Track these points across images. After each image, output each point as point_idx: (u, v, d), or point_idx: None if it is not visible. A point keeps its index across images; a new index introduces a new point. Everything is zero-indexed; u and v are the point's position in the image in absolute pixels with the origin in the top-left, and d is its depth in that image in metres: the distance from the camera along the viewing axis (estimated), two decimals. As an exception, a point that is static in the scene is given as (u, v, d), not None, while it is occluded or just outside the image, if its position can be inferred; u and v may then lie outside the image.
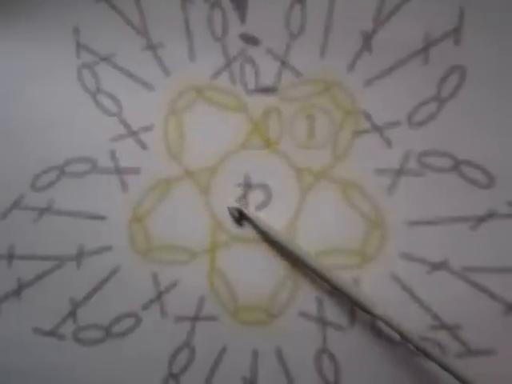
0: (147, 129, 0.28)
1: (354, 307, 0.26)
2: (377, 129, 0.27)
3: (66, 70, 0.29)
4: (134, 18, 0.29)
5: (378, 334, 0.26)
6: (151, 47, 0.29)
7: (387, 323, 0.24)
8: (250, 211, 0.27)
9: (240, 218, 0.27)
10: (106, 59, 0.29)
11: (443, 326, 0.26)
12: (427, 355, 0.24)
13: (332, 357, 0.26)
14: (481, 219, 0.26)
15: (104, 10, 0.29)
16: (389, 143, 0.27)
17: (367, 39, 0.27)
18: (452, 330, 0.26)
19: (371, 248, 0.27)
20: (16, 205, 0.28)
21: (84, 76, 0.29)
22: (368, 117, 0.27)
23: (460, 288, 0.26)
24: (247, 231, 0.27)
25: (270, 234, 0.26)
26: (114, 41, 0.29)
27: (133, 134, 0.28)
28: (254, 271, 0.27)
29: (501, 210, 0.26)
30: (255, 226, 0.27)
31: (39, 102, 0.29)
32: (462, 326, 0.26)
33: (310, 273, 0.26)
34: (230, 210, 0.27)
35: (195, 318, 0.27)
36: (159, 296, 0.27)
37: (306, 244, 0.27)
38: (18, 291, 0.28)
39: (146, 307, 0.27)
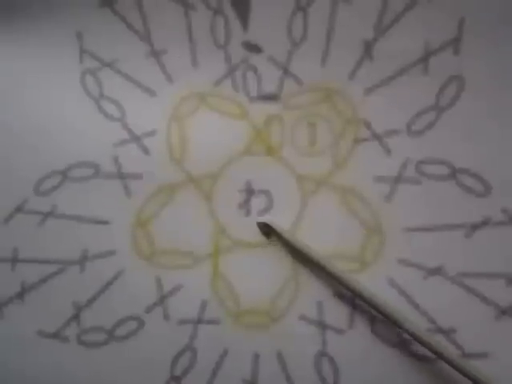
0: (150, 134, 0.28)
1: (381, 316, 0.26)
2: (376, 137, 0.28)
3: (69, 75, 0.29)
4: (137, 24, 0.29)
5: (377, 337, 0.27)
6: (154, 54, 0.29)
7: (414, 336, 0.25)
8: (279, 226, 0.27)
9: (268, 231, 0.27)
10: (109, 65, 0.29)
11: (438, 330, 0.27)
12: (450, 363, 0.24)
13: (332, 360, 0.27)
14: (476, 226, 0.27)
15: (107, 16, 0.29)
16: (388, 151, 0.28)
17: (368, 48, 0.28)
18: (447, 333, 0.27)
19: (369, 254, 0.27)
20: (19, 209, 0.28)
21: (87, 81, 0.29)
22: (368, 125, 0.28)
23: (455, 293, 0.27)
24: (249, 236, 0.28)
25: (297, 247, 0.27)
26: (117, 47, 0.29)
27: (136, 139, 0.28)
28: (256, 276, 0.28)
29: (495, 218, 0.27)
30: (283, 240, 0.27)
31: (42, 107, 0.29)
32: (457, 329, 0.27)
33: (312, 275, 0.27)
34: (259, 225, 0.27)
35: (198, 322, 0.27)
36: (162, 300, 0.28)
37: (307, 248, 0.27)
38: (21, 294, 0.28)
39: (149, 310, 0.28)
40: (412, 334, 0.25)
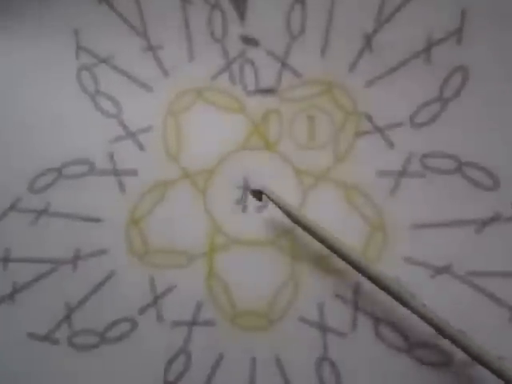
0: (145, 130, 0.28)
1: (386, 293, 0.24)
2: (378, 130, 0.27)
3: (65, 71, 0.29)
4: (133, 19, 0.29)
5: (382, 341, 0.25)
6: (150, 48, 0.28)
7: (423, 316, 0.23)
8: (272, 192, 0.26)
9: (260, 198, 0.26)
10: (105, 61, 0.28)
11: (448, 333, 0.25)
12: (464, 349, 0.23)
13: (333, 364, 0.25)
14: (485, 222, 0.25)
15: (104, 12, 0.29)
16: (391, 145, 0.26)
17: (368, 39, 0.27)
18: (457, 336, 0.25)
19: (373, 251, 0.26)
20: (13, 207, 0.28)
21: (83, 77, 0.28)
22: (369, 118, 0.27)
23: (464, 293, 0.25)
24: (246, 234, 0.27)
25: (293, 215, 0.25)
26: (114, 42, 0.29)
27: (131, 135, 0.28)
28: (253, 275, 0.26)
29: (506, 213, 0.25)
30: (279, 207, 0.25)
31: (37, 103, 0.28)
32: (467, 331, 0.25)
33: (313, 274, 0.26)
34: (252, 192, 0.26)
35: (192, 323, 0.26)
36: (156, 300, 0.27)
37: (306, 246, 0.26)
38: (12, 295, 0.27)
39: (142, 312, 0.27)
40: (418, 313, 0.23)
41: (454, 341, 0.23)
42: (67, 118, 0.28)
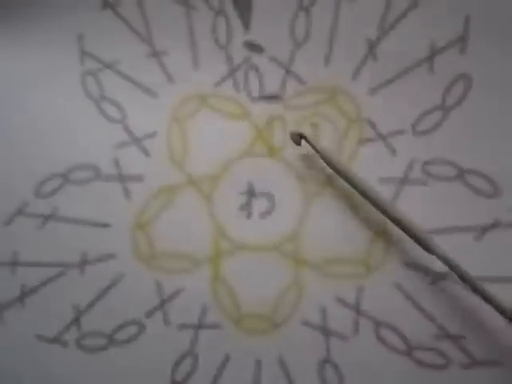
0: (150, 136, 0.28)
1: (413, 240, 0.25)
2: (381, 137, 0.27)
3: (70, 77, 0.29)
4: (138, 25, 0.29)
5: (383, 344, 0.26)
6: (155, 54, 0.28)
7: (442, 258, 0.24)
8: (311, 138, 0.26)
9: (299, 142, 0.27)
10: (109, 66, 0.29)
11: (447, 336, 0.26)
12: (482, 294, 0.24)
13: (336, 367, 0.26)
14: (485, 229, 0.26)
15: (109, 18, 0.29)
16: (393, 152, 0.27)
17: (372, 47, 0.27)
18: (456, 339, 0.26)
19: (375, 257, 0.27)
20: (20, 212, 0.28)
21: (88, 83, 0.29)
22: (372, 125, 0.27)
23: (465, 297, 0.26)
24: (251, 239, 0.27)
25: (331, 160, 0.26)
26: (118, 48, 0.29)
27: (136, 141, 0.28)
28: (258, 280, 0.27)
29: (506, 219, 0.26)
30: (316, 151, 0.26)
31: (42, 109, 0.29)
32: (466, 336, 0.26)
33: (316, 279, 0.27)
34: (292, 135, 0.26)
35: (198, 326, 0.27)
36: (162, 304, 0.27)
37: (310, 252, 0.27)
38: (21, 298, 0.28)
39: (149, 315, 0.27)
40: (438, 255, 0.24)
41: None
42: (72, 123, 0.28)
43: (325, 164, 0.26)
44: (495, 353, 0.26)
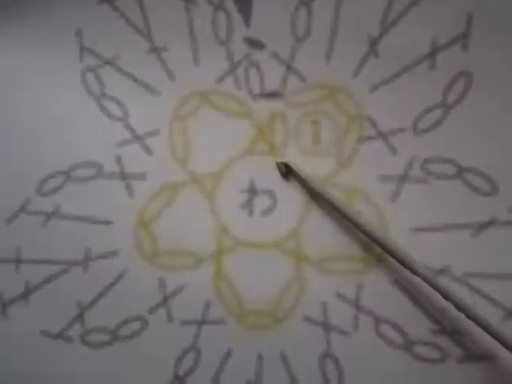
0: (152, 134, 0.28)
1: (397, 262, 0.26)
2: (382, 135, 0.27)
3: (70, 74, 0.29)
4: (137, 20, 0.28)
5: (382, 339, 0.27)
6: (155, 50, 0.28)
7: (426, 279, 0.25)
8: (297, 165, 0.27)
9: (287, 172, 0.27)
10: (109, 62, 0.28)
11: (444, 331, 0.26)
12: (468, 315, 0.24)
13: (336, 361, 0.27)
14: (482, 226, 0.26)
15: (107, 12, 0.29)
16: (393, 150, 0.27)
17: (373, 44, 0.27)
18: (452, 334, 0.26)
19: (374, 254, 0.27)
20: (22, 209, 0.28)
21: (88, 80, 0.29)
22: (373, 123, 0.27)
23: (461, 293, 0.26)
24: (253, 236, 0.28)
25: (316, 189, 0.27)
26: (118, 44, 0.29)
27: (138, 139, 0.28)
28: (259, 276, 0.27)
29: (502, 217, 0.26)
30: (301, 181, 0.27)
31: (43, 106, 0.29)
32: (462, 331, 0.26)
33: (317, 275, 0.27)
34: (278, 164, 0.27)
35: (201, 322, 0.27)
36: (165, 300, 0.28)
37: (311, 249, 0.27)
38: (25, 295, 0.28)
39: (152, 311, 0.28)
40: (421, 276, 0.25)
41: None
42: (74, 121, 0.28)
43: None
44: (488, 347, 0.26)
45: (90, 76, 0.29)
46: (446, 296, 0.24)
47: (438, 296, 0.26)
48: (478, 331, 0.26)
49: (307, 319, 0.27)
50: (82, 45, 0.29)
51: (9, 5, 0.29)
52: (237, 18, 0.28)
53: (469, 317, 0.24)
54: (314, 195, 0.27)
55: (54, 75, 0.29)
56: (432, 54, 0.27)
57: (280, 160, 0.27)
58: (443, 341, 0.26)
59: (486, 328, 0.24)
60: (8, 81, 0.29)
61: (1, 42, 0.29)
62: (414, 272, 0.25)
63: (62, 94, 0.29)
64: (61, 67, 0.29)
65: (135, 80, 0.28)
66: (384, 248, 0.26)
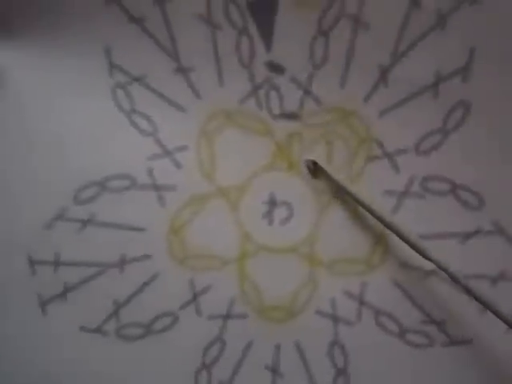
0: (181, 149, 0.31)
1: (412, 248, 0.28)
2: (387, 155, 0.31)
3: (100, 88, 0.30)
4: (164, 41, 0.30)
5: (380, 328, 0.31)
6: (182, 70, 0.30)
7: (436, 264, 0.28)
8: (324, 164, 0.30)
9: (315, 170, 0.30)
10: (138, 79, 0.30)
11: (432, 321, 0.31)
12: (474, 295, 0.27)
13: (342, 347, 0.31)
14: (469, 235, 0.31)
15: (135, 32, 0.30)
16: (397, 168, 0.31)
17: (384, 73, 0.30)
18: (439, 324, 0.31)
19: (376, 257, 0.31)
20: (59, 217, 0.31)
21: (118, 96, 0.30)
22: (380, 144, 0.31)
23: (448, 291, 0.31)
24: (272, 243, 0.31)
25: (342, 186, 0.30)
26: (146, 62, 0.30)
27: (168, 153, 0.31)
28: (278, 277, 0.31)
29: (486, 228, 0.31)
30: (329, 179, 0.30)
31: (77, 119, 0.30)
32: (447, 321, 0.31)
33: (327, 276, 0.31)
34: (307, 162, 0.30)
35: (226, 317, 0.31)
36: (195, 297, 0.31)
37: (323, 253, 0.31)
38: (64, 294, 0.31)
39: (182, 307, 0.31)
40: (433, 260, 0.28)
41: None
42: (106, 134, 0.31)
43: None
44: (467, 334, 0.31)
45: (119, 92, 0.30)
46: (452, 278, 0.27)
47: (428, 292, 0.31)
48: (460, 321, 0.31)
49: (318, 313, 0.31)
50: (111, 61, 0.30)
51: (40, 20, 0.30)
52: (259, 42, 0.30)
53: (469, 293, 0.27)
54: (337, 193, 0.31)
55: (87, 89, 0.30)
56: (435, 84, 0.30)
57: (308, 158, 0.30)
58: (431, 329, 0.31)
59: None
60: (44, 93, 0.30)
61: (30, 55, 0.30)
62: (427, 257, 0.28)
63: (94, 109, 0.30)
64: (91, 81, 0.30)
65: (163, 97, 0.31)
66: (401, 237, 0.29)
